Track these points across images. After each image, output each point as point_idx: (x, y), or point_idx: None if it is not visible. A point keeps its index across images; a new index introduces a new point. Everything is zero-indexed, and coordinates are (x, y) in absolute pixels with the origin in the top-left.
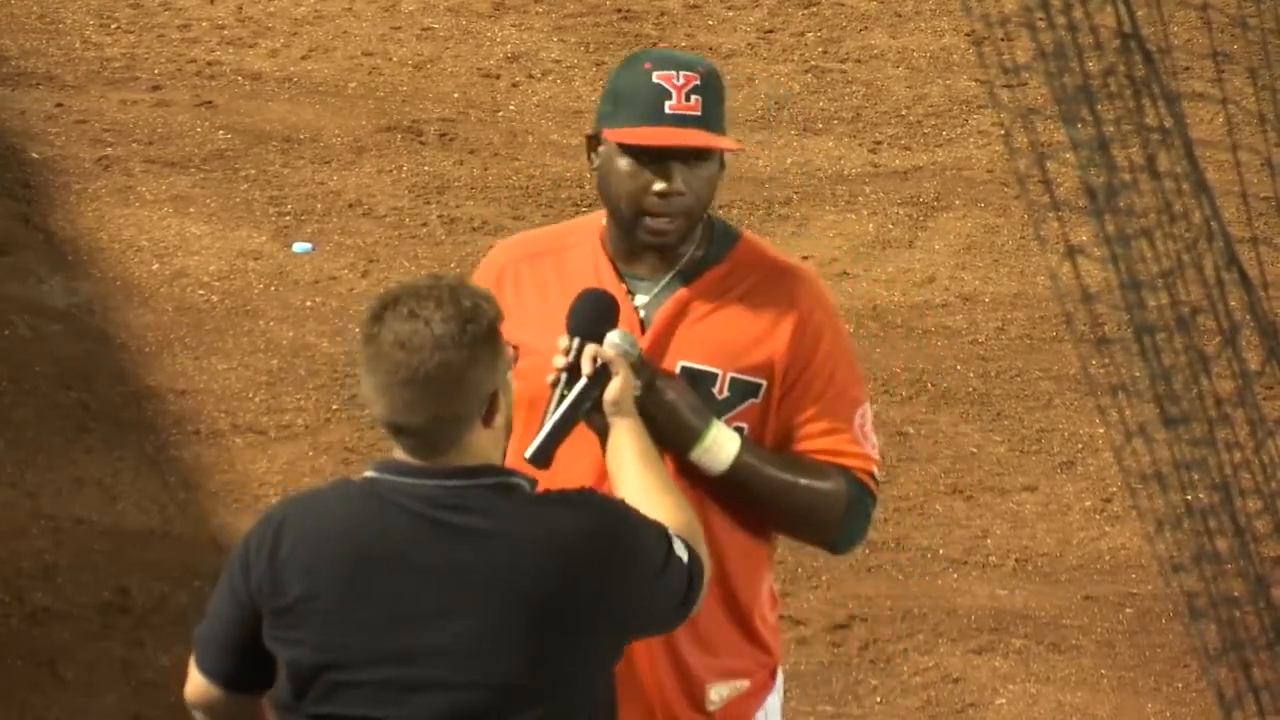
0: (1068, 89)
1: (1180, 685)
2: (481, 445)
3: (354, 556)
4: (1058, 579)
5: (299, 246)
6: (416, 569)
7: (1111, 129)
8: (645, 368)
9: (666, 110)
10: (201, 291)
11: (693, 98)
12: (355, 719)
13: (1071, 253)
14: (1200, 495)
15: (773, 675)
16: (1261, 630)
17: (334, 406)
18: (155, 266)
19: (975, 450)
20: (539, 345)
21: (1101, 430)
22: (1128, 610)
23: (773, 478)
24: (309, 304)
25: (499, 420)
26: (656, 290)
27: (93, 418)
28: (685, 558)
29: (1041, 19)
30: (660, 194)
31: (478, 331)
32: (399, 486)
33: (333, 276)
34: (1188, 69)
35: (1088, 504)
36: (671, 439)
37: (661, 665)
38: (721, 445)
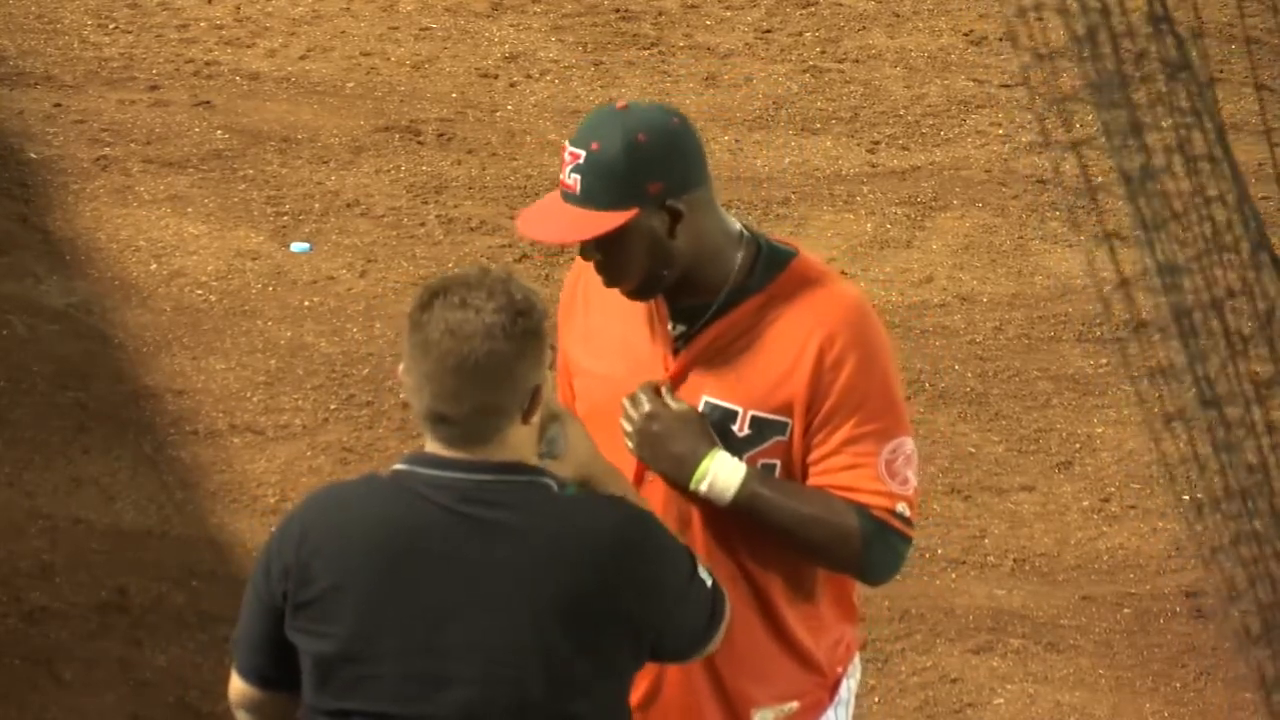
0: (1100, 74)
1: (1178, 685)
2: (518, 441)
3: (381, 548)
4: (1055, 579)
5: (297, 246)
6: (443, 562)
7: (1144, 113)
8: (645, 400)
9: (559, 181)
10: (199, 291)
11: (573, 176)
12: (377, 714)
13: (1107, 237)
14: (1239, 477)
15: (832, 692)
16: None
17: (332, 406)
18: (153, 266)
19: (973, 450)
20: (586, 364)
21: (1100, 430)
22: (1126, 610)
23: (784, 511)
24: (307, 304)
25: (536, 418)
26: (698, 321)
27: (90, 417)
28: (709, 583)
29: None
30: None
31: (528, 325)
32: (429, 479)
33: (331, 276)
34: (1219, 52)
35: (1086, 504)
36: (670, 474)
37: (702, 690)
38: (720, 478)
